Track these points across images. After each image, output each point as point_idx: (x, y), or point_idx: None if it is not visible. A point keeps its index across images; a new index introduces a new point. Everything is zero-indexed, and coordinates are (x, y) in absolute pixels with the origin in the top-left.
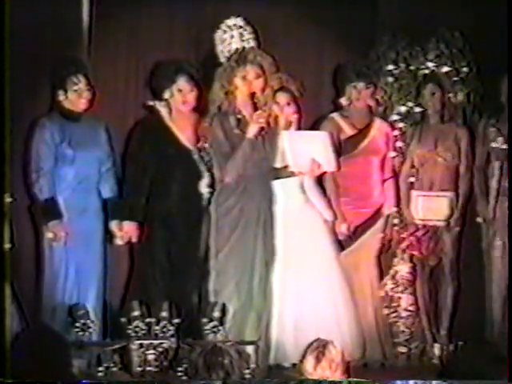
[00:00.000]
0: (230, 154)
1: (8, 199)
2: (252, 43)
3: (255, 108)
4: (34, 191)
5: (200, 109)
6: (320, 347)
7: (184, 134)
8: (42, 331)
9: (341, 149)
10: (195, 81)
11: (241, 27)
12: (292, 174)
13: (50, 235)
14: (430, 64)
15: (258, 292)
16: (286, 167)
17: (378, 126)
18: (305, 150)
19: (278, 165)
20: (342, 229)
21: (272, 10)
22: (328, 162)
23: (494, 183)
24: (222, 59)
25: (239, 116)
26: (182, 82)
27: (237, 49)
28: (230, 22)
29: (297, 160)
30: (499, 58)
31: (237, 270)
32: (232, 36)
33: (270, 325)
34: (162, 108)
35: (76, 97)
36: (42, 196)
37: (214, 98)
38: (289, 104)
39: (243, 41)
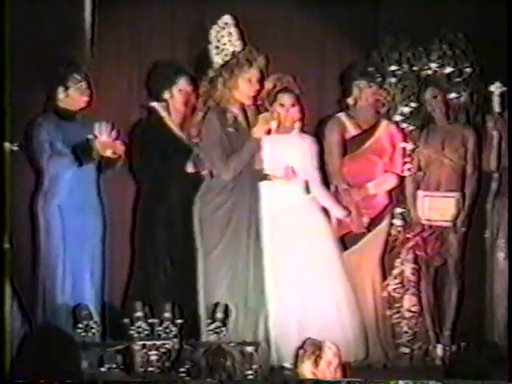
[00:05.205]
0: (227, 150)
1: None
2: (249, 43)
3: (257, 110)
4: None
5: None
6: (316, 351)
7: (184, 134)
8: (51, 331)
9: (346, 148)
10: (195, 81)
11: (237, 26)
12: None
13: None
14: (433, 65)
15: (254, 293)
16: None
17: (385, 127)
18: (281, 155)
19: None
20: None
21: (274, 11)
22: (305, 171)
23: (495, 182)
24: (216, 57)
25: (235, 115)
26: (183, 83)
27: (244, 49)
28: (227, 20)
29: (271, 164)
30: (502, 58)
31: (230, 270)
32: (230, 33)
33: (270, 326)
34: (161, 108)
35: (76, 96)
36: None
37: (214, 94)
38: (293, 105)
39: (241, 40)
